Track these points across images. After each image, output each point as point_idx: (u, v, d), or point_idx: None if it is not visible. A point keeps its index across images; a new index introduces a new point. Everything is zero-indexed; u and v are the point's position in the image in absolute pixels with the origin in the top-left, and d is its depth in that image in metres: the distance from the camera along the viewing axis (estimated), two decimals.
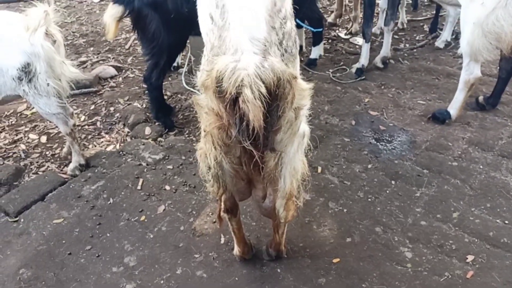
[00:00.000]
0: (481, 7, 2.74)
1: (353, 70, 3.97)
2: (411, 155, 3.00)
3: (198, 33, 2.18)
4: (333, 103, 3.63)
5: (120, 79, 4.34)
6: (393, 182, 2.78)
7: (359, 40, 4.66)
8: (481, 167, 2.85)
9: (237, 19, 1.57)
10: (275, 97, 1.61)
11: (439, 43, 4.32)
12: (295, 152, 1.86)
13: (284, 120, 1.71)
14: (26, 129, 3.63)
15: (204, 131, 1.82)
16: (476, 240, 2.34)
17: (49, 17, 2.42)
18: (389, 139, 3.17)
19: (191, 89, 3.99)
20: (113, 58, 4.66)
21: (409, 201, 2.62)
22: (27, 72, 2.58)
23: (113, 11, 2.88)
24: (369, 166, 2.92)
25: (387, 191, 2.70)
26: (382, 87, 3.79)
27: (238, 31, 1.57)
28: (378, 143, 3.13)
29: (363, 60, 3.91)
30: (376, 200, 2.64)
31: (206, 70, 1.71)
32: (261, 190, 2.03)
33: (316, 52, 4.19)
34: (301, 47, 4.40)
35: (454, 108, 3.22)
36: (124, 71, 4.46)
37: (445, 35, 4.28)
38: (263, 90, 1.52)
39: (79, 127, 3.57)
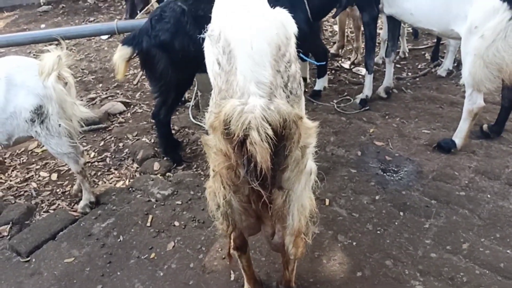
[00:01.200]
0: (481, 40, 2.80)
1: (357, 100, 4.02)
2: (418, 185, 3.02)
3: (205, 71, 2.25)
4: (339, 134, 3.67)
5: (129, 114, 4.42)
6: (401, 213, 2.78)
7: (362, 70, 4.74)
8: (488, 196, 2.86)
9: (243, 64, 1.63)
10: (281, 137, 1.65)
11: (441, 71, 4.38)
12: (303, 190, 1.88)
13: (291, 159, 1.75)
14: (37, 167, 3.70)
15: (213, 171, 1.86)
16: (487, 272, 2.33)
17: (62, 61, 2.51)
18: (396, 169, 3.19)
19: (198, 123, 4.05)
20: (121, 94, 4.77)
21: (418, 233, 2.62)
22: (39, 114, 2.66)
23: (122, 52, 2.98)
24: (377, 197, 2.94)
25: (396, 223, 2.71)
26: (387, 117, 3.84)
27: (244, 76, 1.62)
28: (385, 174, 3.15)
29: (367, 91, 3.98)
30: (385, 232, 2.64)
31: (214, 112, 1.76)
32: (270, 226, 2.05)
33: (321, 84, 4.26)
34: (305, 79, 4.48)
35: (459, 137, 3.24)
36: (132, 106, 4.55)
37: (447, 63, 4.34)
38: (270, 132, 1.56)
39: (89, 164, 3.63)
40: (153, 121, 3.59)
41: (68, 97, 2.70)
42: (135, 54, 3.05)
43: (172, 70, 3.09)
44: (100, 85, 4.98)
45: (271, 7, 2.29)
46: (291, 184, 1.81)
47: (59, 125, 2.71)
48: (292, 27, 1.73)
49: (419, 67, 4.74)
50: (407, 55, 4.96)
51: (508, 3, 2.67)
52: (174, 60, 3.06)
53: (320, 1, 3.29)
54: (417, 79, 4.46)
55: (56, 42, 2.76)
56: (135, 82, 4.98)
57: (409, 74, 4.60)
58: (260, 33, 1.63)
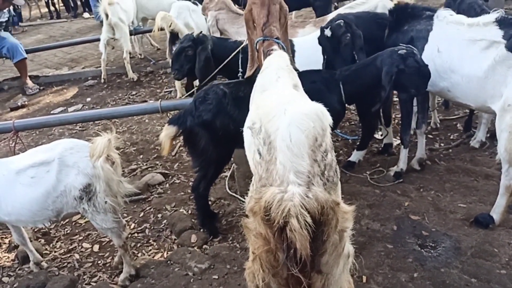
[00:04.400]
0: None
1: (391, 173, 4.05)
2: (457, 262, 2.97)
3: (242, 146, 2.39)
4: (373, 207, 3.68)
5: (167, 185, 4.59)
6: None
7: (394, 141, 4.76)
8: None
9: (283, 155, 1.76)
10: (319, 223, 1.74)
11: (474, 143, 4.39)
12: (341, 273, 1.93)
13: (329, 244, 1.82)
14: (80, 238, 3.85)
15: (253, 253, 1.94)
16: None
17: (111, 144, 2.72)
18: (433, 245, 3.16)
19: (234, 195, 4.17)
20: (160, 165, 4.97)
21: None
22: (87, 192, 2.85)
23: (168, 131, 3.24)
24: (415, 274, 2.90)
25: None
26: (421, 190, 3.84)
27: (284, 166, 1.75)
28: (422, 250, 3.12)
29: (402, 165, 4.02)
30: None
31: (254, 197, 1.87)
32: None
33: (357, 156, 4.33)
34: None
35: (496, 212, 3.21)
36: (170, 177, 4.73)
37: (480, 135, 4.36)
38: (309, 219, 1.66)
39: (129, 235, 3.75)
40: (193, 194, 3.72)
41: (114, 176, 2.88)
42: (179, 133, 3.27)
43: (213, 147, 3.30)
44: (141, 156, 5.22)
45: (307, 88, 2.48)
46: (330, 268, 1.86)
47: (105, 202, 2.88)
48: (327, 119, 1.87)
49: (451, 137, 4.75)
50: (438, 125, 5.00)
51: None
52: (215, 137, 3.28)
53: (352, 87, 3.49)
54: (450, 150, 4.47)
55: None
56: (173, 153, 5.20)
57: (442, 145, 4.62)
58: (298, 126, 1.77)
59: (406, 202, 3.68)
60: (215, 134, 3.27)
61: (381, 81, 3.32)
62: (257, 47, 2.75)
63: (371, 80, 3.46)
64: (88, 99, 7.13)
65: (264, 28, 2.71)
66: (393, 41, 3.78)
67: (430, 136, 4.80)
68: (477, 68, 3.13)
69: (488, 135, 4.42)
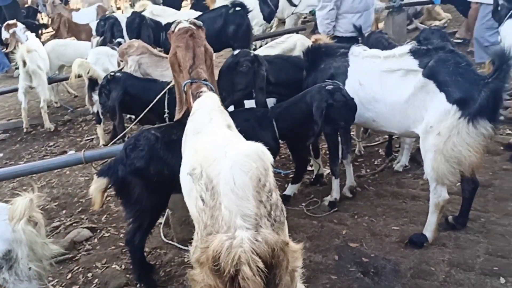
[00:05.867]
0: (438, 136, 3.11)
1: (326, 203, 4.13)
2: (399, 285, 3.04)
3: (178, 191, 2.29)
4: (313, 239, 3.70)
5: (96, 240, 4.27)
6: None
7: (324, 170, 4.88)
8: None
9: (227, 199, 1.70)
10: (271, 266, 1.68)
11: (398, 167, 4.63)
12: None
13: (282, 286, 1.76)
14: None
15: None
16: None
17: (33, 204, 2.48)
18: (374, 270, 3.22)
19: (170, 242, 3.98)
20: (86, 219, 4.64)
21: None
22: (8, 260, 2.54)
23: (98, 184, 3.03)
24: None
25: None
26: (356, 217, 3.94)
27: (229, 210, 1.69)
28: (365, 277, 3.16)
29: (335, 194, 4.11)
30: None
31: (200, 247, 1.78)
32: None
33: (292, 189, 4.39)
34: None
35: (429, 230, 3.37)
36: (99, 231, 4.41)
37: (403, 160, 4.61)
38: (261, 264, 1.60)
39: None
40: (127, 247, 3.49)
41: (38, 238, 2.62)
42: (111, 184, 3.08)
43: (148, 195, 3.14)
44: (64, 211, 4.85)
45: (241, 127, 2.48)
46: None
47: (29, 268, 2.59)
48: (268, 158, 1.85)
49: (375, 163, 4.98)
50: (362, 152, 5.23)
51: (457, 105, 3.03)
52: (150, 184, 3.12)
53: (284, 123, 3.58)
54: (377, 175, 4.67)
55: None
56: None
57: (368, 171, 4.82)
58: (240, 168, 1.73)
59: (344, 230, 3.74)
60: (150, 181, 3.11)
61: (312, 116, 3.42)
62: (185, 90, 2.71)
63: (302, 116, 3.56)
64: (1, 155, 6.57)
65: (191, 70, 2.70)
66: (312, 80, 3.93)
67: (356, 163, 4.99)
68: (399, 96, 3.35)
69: (409, 157, 4.69)
